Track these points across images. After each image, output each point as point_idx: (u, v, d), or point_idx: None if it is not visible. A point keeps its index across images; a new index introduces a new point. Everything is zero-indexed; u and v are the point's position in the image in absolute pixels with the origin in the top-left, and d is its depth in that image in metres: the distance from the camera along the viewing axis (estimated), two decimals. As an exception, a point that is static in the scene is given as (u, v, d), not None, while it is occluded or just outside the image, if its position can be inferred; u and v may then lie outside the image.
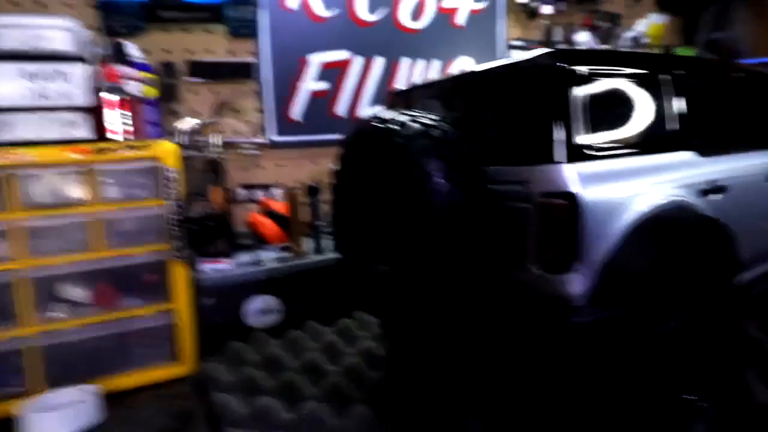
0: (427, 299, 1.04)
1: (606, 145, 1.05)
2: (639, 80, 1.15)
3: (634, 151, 1.10)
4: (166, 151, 1.90)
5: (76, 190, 1.81)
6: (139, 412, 1.69)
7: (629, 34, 3.40)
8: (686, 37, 3.93)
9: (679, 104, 1.20)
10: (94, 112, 1.93)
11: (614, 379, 0.97)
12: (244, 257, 2.21)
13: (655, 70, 1.18)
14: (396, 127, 1.03)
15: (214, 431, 1.34)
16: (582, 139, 1.01)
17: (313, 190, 2.27)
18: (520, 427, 1.22)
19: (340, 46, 2.86)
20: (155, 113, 2.27)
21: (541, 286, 0.99)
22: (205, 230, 1.79)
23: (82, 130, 1.88)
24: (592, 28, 3.41)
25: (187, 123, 2.44)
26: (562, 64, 1.01)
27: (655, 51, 3.37)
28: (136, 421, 1.63)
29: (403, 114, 1.06)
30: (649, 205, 1.06)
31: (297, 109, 2.81)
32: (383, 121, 1.07)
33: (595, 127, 1.04)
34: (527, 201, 0.99)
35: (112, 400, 1.74)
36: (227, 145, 2.63)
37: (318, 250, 2.29)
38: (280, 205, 2.56)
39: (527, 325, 0.99)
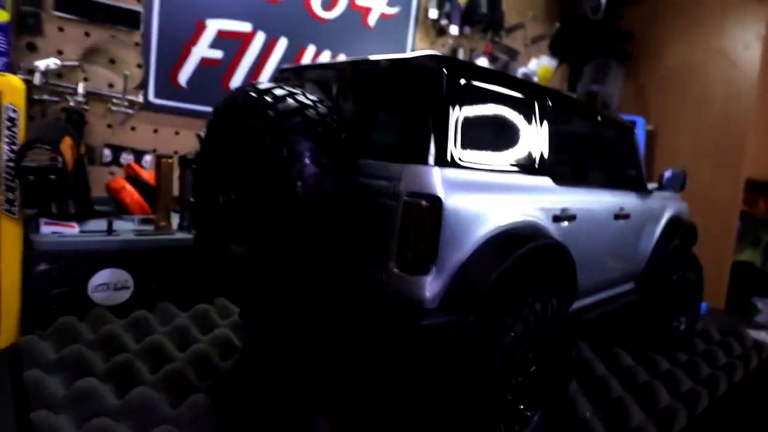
0: (279, 288, 0.99)
1: (475, 158, 1.09)
2: (514, 103, 1.21)
3: (500, 167, 1.15)
4: (10, 85, 1.64)
5: None
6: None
7: (522, 69, 3.66)
8: (570, 84, 4.34)
9: (544, 133, 1.29)
10: None
11: (451, 382, 1.00)
12: (97, 225, 1.97)
13: (529, 98, 1.26)
14: (271, 100, 0.97)
15: (19, 413, 1.16)
16: (454, 147, 1.03)
17: (186, 162, 2.10)
18: (368, 426, 1.22)
19: (243, 17, 2.70)
20: (4, 42, 1.95)
21: (396, 286, 0.99)
22: (44, 184, 1.55)
23: None
24: (492, 57, 3.61)
25: (45, 61, 2.13)
26: (446, 69, 1.03)
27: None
28: None
29: (282, 88, 1.00)
30: (507, 220, 1.11)
31: (184, 74, 2.60)
32: (259, 91, 1.00)
33: (467, 137, 1.07)
34: (393, 198, 0.99)
35: None
36: (94, 97, 2.34)
37: (184, 226, 2.13)
38: (149, 175, 2.34)
39: (379, 324, 0.99)
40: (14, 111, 1.64)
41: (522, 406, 1.17)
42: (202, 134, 1.17)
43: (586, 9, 3.91)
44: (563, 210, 1.31)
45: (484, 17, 3.35)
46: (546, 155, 1.31)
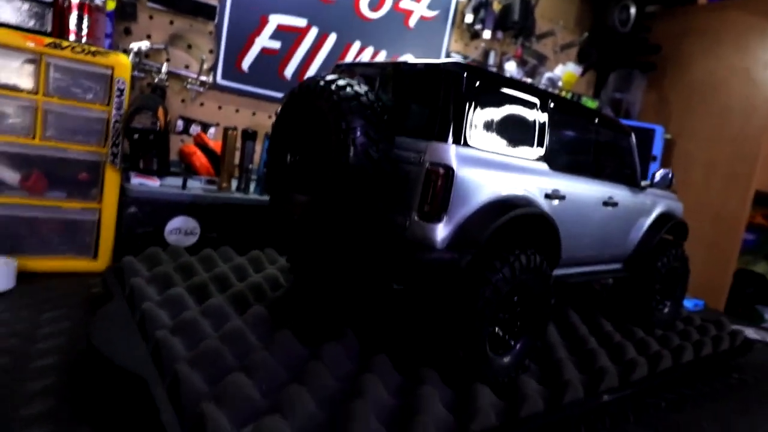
0: (331, 228, 1.36)
1: (484, 141, 1.43)
2: (519, 102, 1.55)
3: (503, 151, 1.49)
4: (121, 63, 2.06)
5: (26, 78, 1.91)
6: (50, 291, 1.86)
7: (548, 74, 3.94)
8: (596, 90, 4.60)
9: (544, 128, 1.62)
10: (58, 10, 2.03)
11: (451, 304, 1.36)
12: (173, 181, 2.39)
13: (533, 99, 1.59)
14: (335, 88, 1.34)
15: (130, 306, 1.57)
16: (467, 131, 1.38)
17: (248, 135, 2.49)
18: (384, 337, 1.59)
19: (300, 13, 3.08)
20: (109, 25, 2.38)
21: (416, 231, 1.34)
22: (145, 142, 1.96)
23: (42, 22, 1.98)
24: (521, 61, 3.91)
25: (138, 44, 2.56)
26: (466, 73, 1.37)
27: (563, 94, 3.95)
28: (45, 297, 1.80)
29: (343, 80, 1.37)
30: (505, 191, 1.45)
31: (247, 61, 3.00)
32: (327, 81, 1.37)
33: (479, 126, 1.42)
34: (419, 166, 1.34)
35: (26, 278, 1.89)
36: (173, 75, 2.77)
37: (242, 189, 2.53)
38: (214, 143, 2.75)
39: (402, 256, 1.35)
40: (122, 83, 2.06)
41: (507, 337, 1.51)
42: (277, 113, 1.55)
43: (615, 21, 4.16)
44: (554, 190, 1.64)
45: (516, 24, 3.64)
46: (544, 146, 1.63)
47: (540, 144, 1.62)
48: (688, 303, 3.22)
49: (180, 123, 2.85)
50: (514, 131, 1.54)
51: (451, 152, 1.33)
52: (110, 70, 2.04)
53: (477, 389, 1.33)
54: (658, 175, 2.18)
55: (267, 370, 1.27)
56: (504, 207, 1.41)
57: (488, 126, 1.47)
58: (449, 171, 1.31)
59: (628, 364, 1.73)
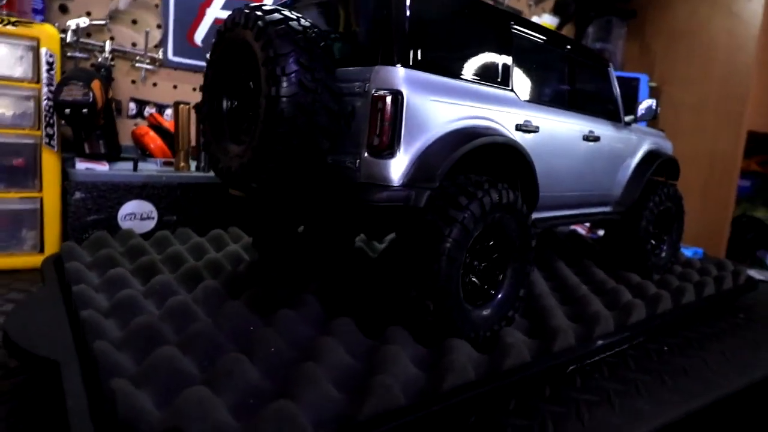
0: (269, 179, 1.19)
1: (439, 64, 1.26)
2: (477, 22, 1.37)
3: (462, 76, 1.32)
4: (47, 33, 1.87)
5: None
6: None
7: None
8: (576, 42, 4.41)
9: (508, 52, 1.45)
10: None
11: (415, 249, 1.19)
12: (125, 165, 2.21)
13: (493, 19, 1.42)
14: (260, 13, 1.16)
15: (63, 292, 1.40)
16: (417, 52, 1.21)
17: (200, 104, 2.31)
18: (351, 300, 1.42)
19: (253, -20, 2.89)
20: (38, 0, 2.19)
21: (368, 170, 1.17)
22: (79, 117, 1.78)
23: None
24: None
25: (76, 20, 2.37)
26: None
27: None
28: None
29: (269, 6, 1.19)
30: (466, 120, 1.28)
31: (200, 34, 2.81)
32: (251, 8, 1.19)
33: (430, 46, 1.24)
34: (364, 95, 1.17)
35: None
36: (119, 54, 2.58)
37: (202, 168, 2.35)
38: (169, 124, 2.57)
39: (354, 201, 1.18)
40: (51, 56, 1.88)
41: (486, 286, 1.35)
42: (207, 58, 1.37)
43: (590, -32, 3.97)
44: (526, 121, 1.47)
45: (485, -24, 3.44)
46: (510, 73, 1.46)
47: (505, 71, 1.45)
48: (687, 251, 3.06)
49: (132, 106, 2.67)
50: (474, 55, 1.37)
51: (399, 75, 1.16)
52: (35, 42, 1.85)
53: (452, 344, 1.18)
54: (641, 108, 2.01)
55: (208, 343, 1.11)
56: (466, 136, 1.24)
57: (442, 48, 1.29)
58: (398, 96, 1.14)
59: (624, 308, 1.57)
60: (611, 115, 1.95)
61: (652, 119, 2.02)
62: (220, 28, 1.31)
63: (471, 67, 1.36)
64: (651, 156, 2.10)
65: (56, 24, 2.37)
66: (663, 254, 2.18)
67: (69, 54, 2.42)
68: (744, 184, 4.29)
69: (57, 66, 1.90)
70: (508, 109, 1.43)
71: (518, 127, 1.44)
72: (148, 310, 1.29)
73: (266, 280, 1.52)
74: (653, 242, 2.12)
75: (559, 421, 1.14)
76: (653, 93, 4.03)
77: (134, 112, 2.67)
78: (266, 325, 1.22)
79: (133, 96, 2.67)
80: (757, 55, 3.52)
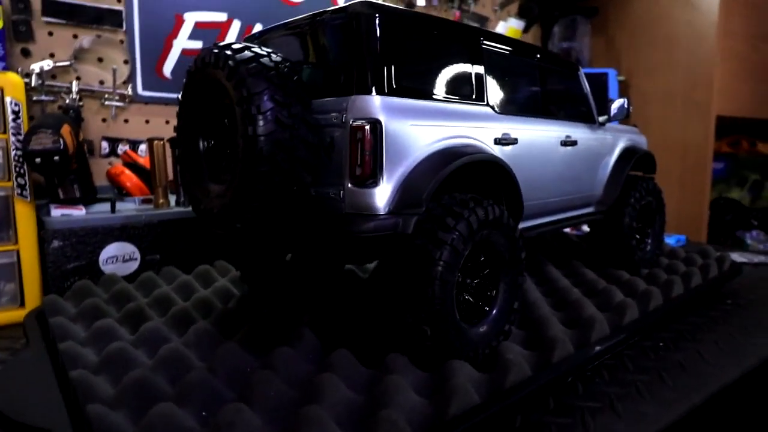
0: (252, 218, 1.17)
1: (413, 88, 1.26)
2: (447, 42, 1.38)
3: (438, 96, 1.32)
4: (11, 81, 1.83)
5: None
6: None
7: (491, 32, 3.80)
8: (542, 44, 4.48)
9: (481, 68, 1.46)
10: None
11: (407, 274, 1.18)
12: (102, 207, 2.17)
13: (463, 37, 1.43)
14: (230, 52, 1.15)
15: (49, 350, 1.36)
16: (391, 79, 1.21)
17: (176, 142, 2.28)
18: (347, 330, 1.41)
19: (218, 7, 2.87)
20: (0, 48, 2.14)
21: (352, 200, 1.16)
22: (50, 165, 1.74)
23: None
24: (461, 24, 3.75)
25: (39, 64, 2.32)
26: (379, 14, 1.20)
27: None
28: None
29: (239, 44, 1.18)
30: (446, 140, 1.28)
31: (168, 66, 2.77)
32: (220, 47, 1.18)
33: (404, 71, 1.25)
34: (341, 126, 1.17)
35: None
36: (87, 94, 2.53)
37: (182, 202, 2.32)
38: (145, 161, 2.53)
39: (342, 232, 1.17)
40: (16, 105, 1.84)
41: (480, 303, 1.35)
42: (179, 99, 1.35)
43: (549, -31, 4.04)
44: (504, 134, 1.48)
45: (450, -14, 3.48)
46: (484, 88, 1.47)
47: (479, 87, 1.46)
48: (671, 240, 3.12)
49: (105, 144, 2.62)
50: (448, 75, 1.38)
51: (375, 103, 1.16)
52: (-2, 93, 1.80)
53: (452, 367, 1.17)
54: (614, 107, 2.04)
55: (207, 392, 1.08)
56: (447, 157, 1.24)
57: (416, 72, 1.30)
58: (376, 125, 1.14)
59: (617, 309, 1.59)
60: (585, 117, 1.98)
61: (624, 118, 2.05)
62: (189, 68, 1.29)
63: (445, 86, 1.37)
64: (627, 153, 2.13)
65: (19, 69, 2.33)
66: (648, 248, 2.21)
67: (35, 98, 2.37)
68: (717, 166, 4.39)
69: (23, 114, 1.85)
70: (485, 124, 1.43)
71: (497, 141, 1.45)
72: (140, 362, 1.25)
73: (259, 316, 1.49)
74: (638, 237, 2.15)
75: (565, 433, 1.14)
76: (622, 86, 4.11)
77: (107, 151, 2.63)
78: (263, 365, 1.20)
79: (104, 135, 2.62)
80: (718, 43, 3.61)
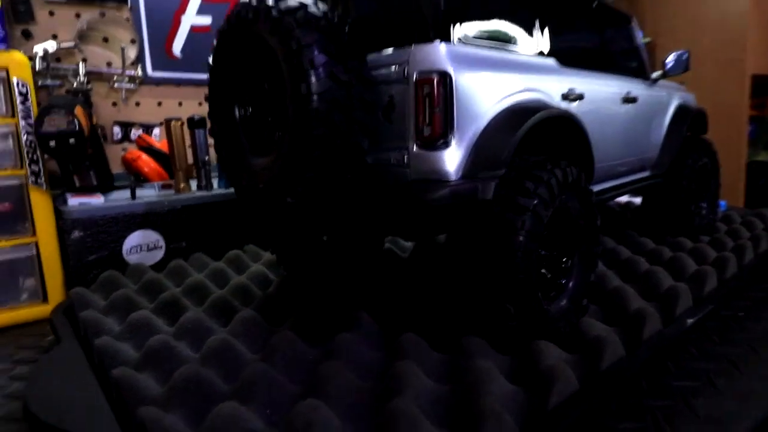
0: (305, 192, 1.03)
1: (481, 36, 1.11)
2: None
3: (505, 47, 1.17)
4: (16, 61, 1.69)
5: None
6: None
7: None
8: None
9: (546, 18, 1.30)
10: None
11: (485, 248, 1.04)
12: (120, 194, 2.03)
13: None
14: (273, 3, 1.00)
15: (83, 346, 1.23)
16: (459, 24, 1.05)
17: (195, 123, 2.13)
18: (403, 317, 1.28)
19: (227, -21, 2.70)
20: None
21: (419, 165, 1.02)
22: (66, 149, 1.60)
23: None
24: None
25: (42, 45, 2.17)
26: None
27: None
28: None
29: (281, -2, 1.02)
30: (517, 95, 1.14)
31: (178, 44, 2.61)
32: (260, 0, 1.03)
33: (472, 19, 1.09)
34: (405, 81, 1.02)
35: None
36: (95, 76, 2.38)
37: (204, 186, 2.18)
38: (161, 144, 2.39)
39: (405, 206, 1.03)
40: (23, 85, 1.69)
41: (555, 276, 1.22)
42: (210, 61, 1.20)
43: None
44: (570, 89, 1.33)
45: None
46: (548, 37, 1.32)
47: (544, 37, 1.31)
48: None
49: (117, 130, 2.48)
50: (512, 24, 1.22)
51: (443, 52, 1.01)
52: (4, 72, 1.66)
53: (539, 348, 1.04)
54: (669, 60, 1.88)
55: (269, 387, 0.95)
56: (522, 113, 1.10)
57: (480, 18, 1.14)
58: (446, 77, 0.99)
59: (695, 278, 1.45)
60: (639, 73, 1.82)
61: (684, 71, 1.89)
62: (221, 28, 1.14)
63: (510, 36, 1.22)
64: (682, 111, 1.98)
65: (21, 51, 2.18)
66: (704, 212, 2.07)
67: (41, 83, 2.22)
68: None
69: (32, 96, 1.71)
70: (551, 76, 1.28)
71: (564, 96, 1.30)
72: (186, 356, 1.13)
73: (306, 301, 1.36)
74: (695, 200, 2.01)
75: (670, 417, 1.01)
76: (647, 47, 3.91)
77: (120, 136, 2.48)
78: (325, 354, 1.07)
79: (116, 119, 2.47)
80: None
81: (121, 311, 1.41)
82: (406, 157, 1.04)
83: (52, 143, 1.59)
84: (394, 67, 1.04)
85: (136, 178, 2.30)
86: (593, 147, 1.34)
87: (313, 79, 0.95)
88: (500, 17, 1.20)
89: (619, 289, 1.36)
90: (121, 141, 2.49)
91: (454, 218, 1.06)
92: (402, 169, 1.04)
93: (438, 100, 0.98)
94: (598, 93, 1.44)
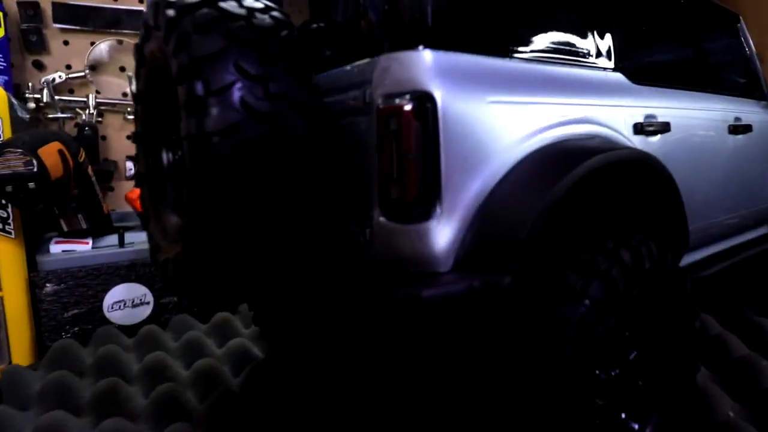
0: (226, 269, 0.68)
1: (497, 40, 0.71)
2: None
3: (533, 53, 0.76)
4: (-14, 95, 1.50)
5: None
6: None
7: None
8: None
9: (607, 10, 0.88)
10: None
11: (495, 383, 0.63)
12: (114, 239, 1.81)
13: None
14: (174, -1, 0.67)
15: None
16: (452, 21, 0.67)
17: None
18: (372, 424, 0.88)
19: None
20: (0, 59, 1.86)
21: (386, 243, 0.64)
22: (25, 193, 1.37)
23: None
24: None
25: (51, 75, 2.02)
26: None
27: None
28: None
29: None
30: (555, 129, 0.72)
31: (200, 72, 2.41)
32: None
33: (481, 10, 0.70)
34: (366, 111, 0.64)
35: None
36: (108, 107, 2.21)
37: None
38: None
39: (367, 302, 0.64)
40: (-6, 121, 1.50)
41: (623, 414, 0.76)
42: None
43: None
44: (648, 117, 0.88)
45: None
46: (614, 44, 0.89)
47: (604, 40, 0.88)
48: None
49: (130, 165, 2.29)
50: (547, 17, 0.82)
51: (424, 63, 0.63)
52: (-28, 108, 1.48)
53: None
54: (799, 74, 1.36)
55: None
56: (565, 159, 0.68)
57: (497, 7, 0.75)
58: (426, 103, 0.60)
59: None
60: (751, 90, 1.32)
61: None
62: (137, 42, 0.84)
63: (545, 36, 0.81)
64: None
65: (30, 84, 2.05)
66: None
67: (50, 115, 2.08)
68: None
69: (5, 131, 1.52)
70: (616, 100, 0.85)
71: (638, 129, 0.86)
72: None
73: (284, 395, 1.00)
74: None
75: None
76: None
77: (132, 172, 2.29)
78: None
79: (128, 154, 2.29)
80: None
81: (48, 401, 1.12)
82: (368, 230, 0.65)
83: (9, 188, 1.37)
84: (353, 90, 0.67)
85: (140, 217, 2.09)
86: (686, 201, 0.88)
87: (213, 109, 0.60)
88: (531, 11, 0.80)
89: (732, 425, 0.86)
90: (133, 177, 2.29)
91: (438, 335, 0.65)
92: (366, 247, 0.66)
93: (412, 141, 0.60)
94: (691, 121, 0.98)
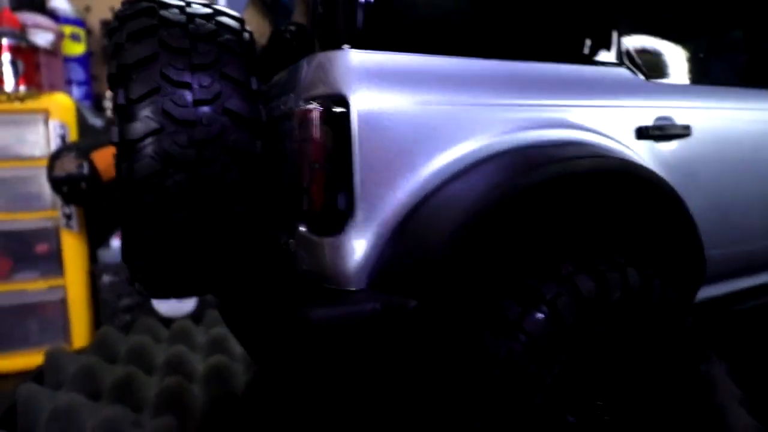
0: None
1: (434, 33, 0.64)
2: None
3: (496, 48, 0.68)
4: (58, 104, 1.68)
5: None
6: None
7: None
8: None
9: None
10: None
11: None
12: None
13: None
14: (126, 6, 0.69)
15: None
16: (386, 15, 0.61)
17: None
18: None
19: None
20: (81, 72, 2.07)
21: (308, 256, 0.60)
22: (78, 193, 1.51)
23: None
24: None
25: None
26: None
27: None
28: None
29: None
30: (511, 133, 0.63)
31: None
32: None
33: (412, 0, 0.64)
34: (290, 116, 0.61)
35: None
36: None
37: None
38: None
39: (279, 320, 0.61)
40: (62, 128, 1.68)
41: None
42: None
43: None
44: (660, 119, 0.75)
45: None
46: (615, 27, 0.77)
47: (602, 26, 0.76)
48: None
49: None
50: (515, 6, 0.72)
51: (344, 63, 0.58)
52: (44, 114, 1.66)
53: None
54: None
55: None
56: (503, 171, 0.59)
57: (438, 2, 0.68)
58: (333, 108, 0.56)
59: None
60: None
61: None
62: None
63: (504, 29, 0.71)
64: None
65: (108, 94, 2.27)
66: None
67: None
68: None
69: (70, 138, 1.69)
70: (614, 100, 0.73)
71: (643, 132, 0.73)
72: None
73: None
74: None
75: None
76: None
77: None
78: None
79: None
80: None
81: (77, 384, 1.22)
82: (292, 241, 0.62)
83: (65, 189, 1.52)
84: (285, 94, 0.64)
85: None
86: (712, 222, 0.74)
87: (137, 116, 0.60)
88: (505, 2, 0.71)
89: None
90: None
91: (335, 360, 0.59)
92: (292, 259, 0.63)
93: (318, 148, 0.55)
94: (721, 123, 0.82)
